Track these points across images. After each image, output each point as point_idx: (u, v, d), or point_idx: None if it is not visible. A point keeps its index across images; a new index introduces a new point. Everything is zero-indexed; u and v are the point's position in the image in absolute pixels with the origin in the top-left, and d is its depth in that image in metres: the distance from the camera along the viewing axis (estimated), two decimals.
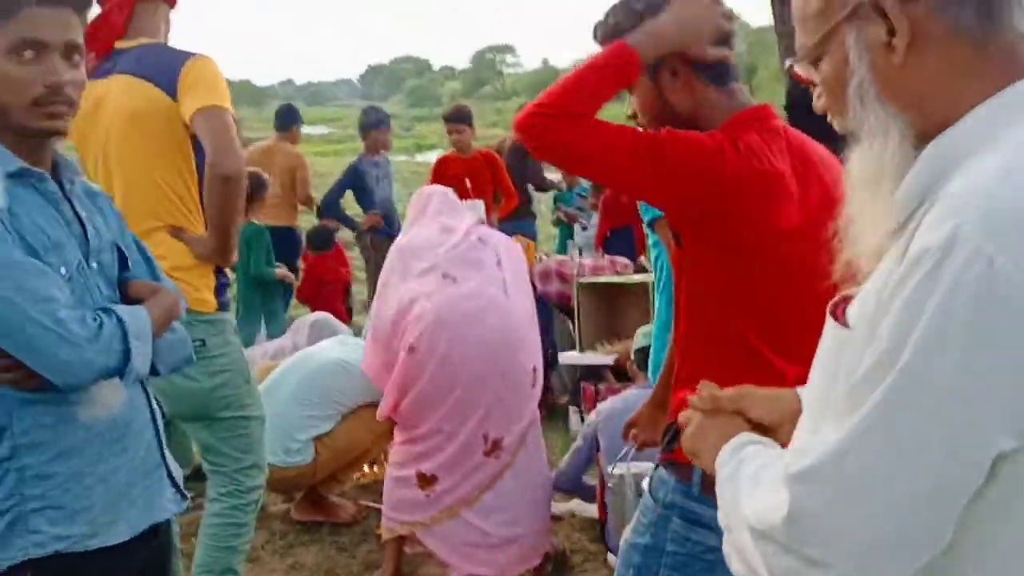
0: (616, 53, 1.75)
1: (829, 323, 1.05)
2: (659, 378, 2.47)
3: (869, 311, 0.92)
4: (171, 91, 2.41)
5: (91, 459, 1.62)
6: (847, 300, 1.01)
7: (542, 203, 12.41)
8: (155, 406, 1.79)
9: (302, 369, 3.81)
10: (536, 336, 3.43)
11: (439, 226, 3.40)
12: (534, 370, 3.32)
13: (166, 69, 2.43)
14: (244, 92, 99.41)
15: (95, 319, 1.56)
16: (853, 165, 1.03)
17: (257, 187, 5.19)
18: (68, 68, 1.59)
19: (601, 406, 3.84)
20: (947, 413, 0.83)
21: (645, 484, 2.60)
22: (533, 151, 1.88)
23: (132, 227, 2.44)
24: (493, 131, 20.41)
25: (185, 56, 2.47)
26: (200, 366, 2.52)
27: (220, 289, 2.63)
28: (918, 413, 0.84)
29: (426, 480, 3.16)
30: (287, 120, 6.79)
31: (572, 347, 5.62)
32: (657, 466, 2.01)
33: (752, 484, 1.01)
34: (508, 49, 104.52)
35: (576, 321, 5.17)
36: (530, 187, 7.67)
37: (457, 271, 3.24)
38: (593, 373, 5.41)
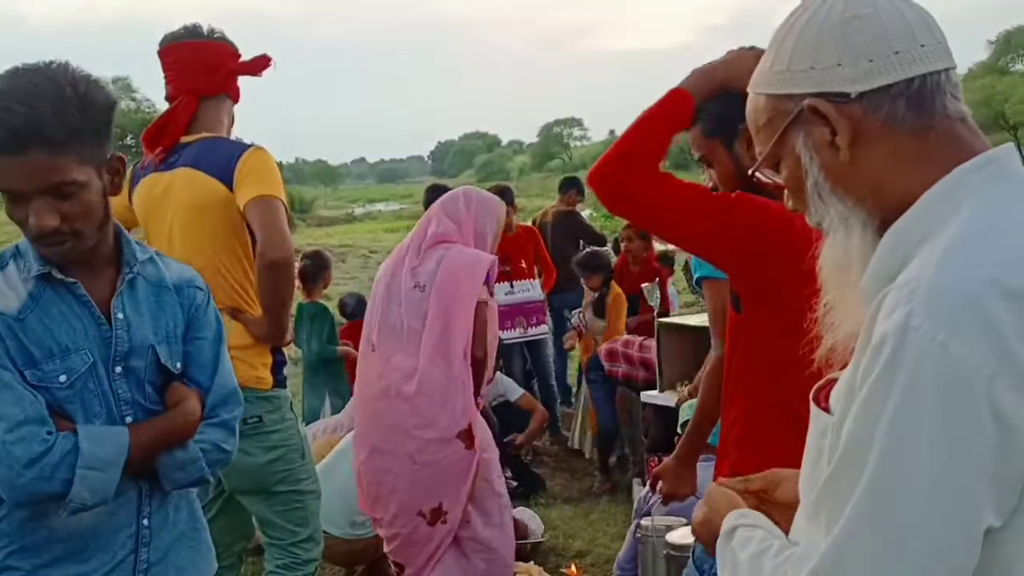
0: (670, 98, 1.85)
1: (813, 409, 1.06)
2: (686, 433, 2.49)
3: (843, 397, 0.94)
4: (228, 182, 2.56)
5: (48, 560, 1.62)
6: (830, 385, 1.03)
7: None
8: (147, 521, 1.72)
9: None
10: (464, 394, 3.19)
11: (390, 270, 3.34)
12: (464, 433, 3.16)
13: (223, 162, 2.58)
14: (319, 172, 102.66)
15: (44, 442, 1.54)
16: (825, 256, 1.07)
17: (320, 267, 5.32)
18: (51, 208, 1.55)
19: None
20: (932, 499, 0.84)
21: (670, 536, 2.60)
22: (605, 201, 1.95)
23: None
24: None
25: (241, 148, 2.63)
26: (256, 441, 2.62)
27: (276, 367, 2.72)
28: (903, 504, 0.84)
29: None
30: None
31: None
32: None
33: None
34: (575, 122, 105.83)
35: (658, 360, 5.17)
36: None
37: (379, 339, 3.25)
38: (660, 445, 5.36)
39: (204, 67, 2.64)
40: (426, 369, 3.10)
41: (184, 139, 2.64)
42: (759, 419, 1.88)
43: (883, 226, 1.00)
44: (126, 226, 2.82)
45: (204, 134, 2.66)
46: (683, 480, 2.47)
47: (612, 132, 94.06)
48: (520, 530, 4.28)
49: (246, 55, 2.75)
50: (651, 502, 3.21)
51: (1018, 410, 0.83)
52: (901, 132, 0.99)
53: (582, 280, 6.42)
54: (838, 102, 1.00)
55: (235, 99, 2.75)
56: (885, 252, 0.98)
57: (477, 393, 3.27)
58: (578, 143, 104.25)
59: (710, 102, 1.87)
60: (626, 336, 5.93)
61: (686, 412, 3.98)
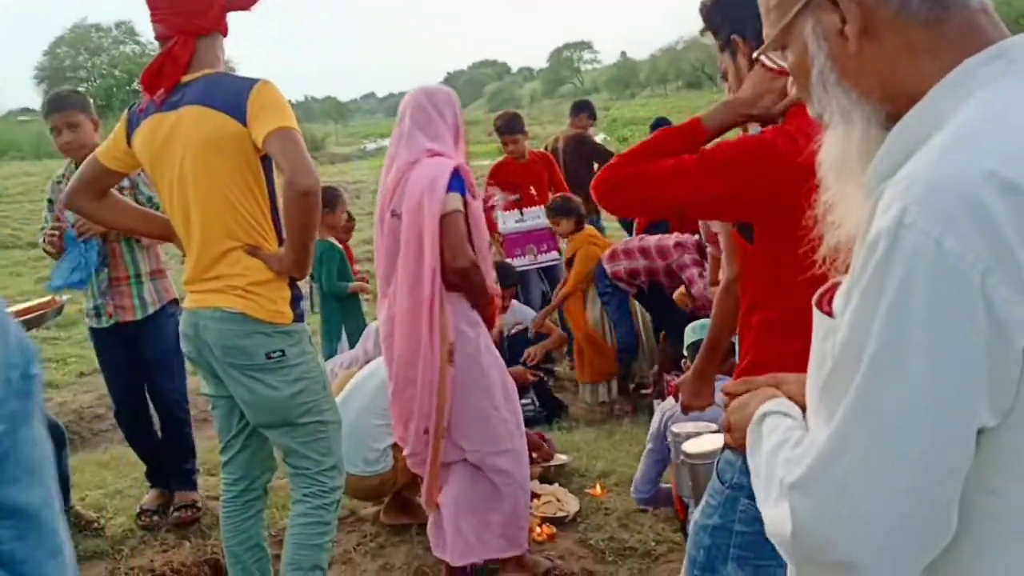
0: (687, 123, 1.93)
1: (816, 313, 1.06)
2: (702, 349, 2.53)
3: (843, 299, 0.93)
4: (240, 117, 2.55)
5: None
6: (833, 289, 1.02)
7: None
8: None
9: (374, 380, 3.87)
10: (431, 313, 3.12)
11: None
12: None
13: (233, 97, 2.56)
14: (329, 109, 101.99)
15: None
16: (825, 151, 1.05)
17: (330, 201, 5.29)
18: None
19: (664, 405, 3.83)
20: (924, 399, 0.83)
21: (686, 446, 2.65)
22: (608, 207, 2.04)
23: (212, 248, 2.63)
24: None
25: (249, 83, 2.60)
26: (280, 375, 2.68)
27: (295, 302, 2.75)
28: (895, 403, 0.84)
29: None
30: None
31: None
32: (723, 448, 2.00)
33: (766, 482, 1.03)
34: (585, 46, 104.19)
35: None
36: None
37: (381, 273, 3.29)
38: (676, 364, 5.39)
39: (197, 5, 2.61)
40: (402, 296, 3.14)
41: (185, 78, 2.62)
42: (771, 343, 1.88)
43: (889, 120, 0.98)
44: (125, 171, 2.83)
45: (206, 71, 2.64)
46: (701, 394, 2.57)
47: (623, 54, 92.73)
48: (544, 453, 4.34)
49: None
50: (670, 411, 3.24)
51: (1011, 306, 0.81)
52: (914, 23, 0.96)
53: (552, 226, 6.20)
54: None
55: (225, 34, 2.72)
56: (890, 147, 0.96)
57: (476, 306, 3.22)
58: (588, 67, 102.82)
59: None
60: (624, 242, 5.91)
61: (691, 335, 4.00)
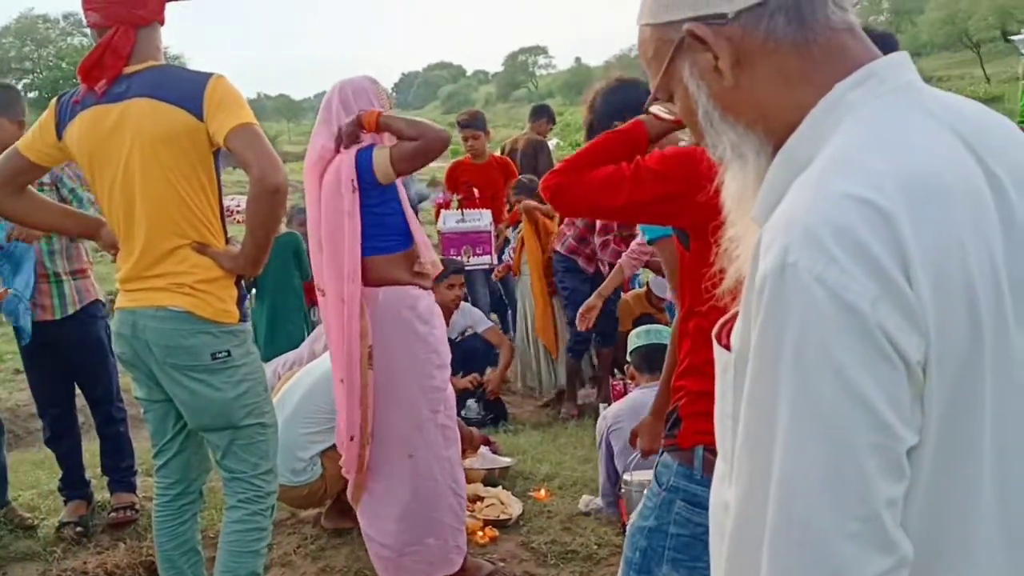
0: (629, 125, 1.97)
1: (716, 347, 1.06)
2: (659, 391, 2.51)
3: (741, 334, 0.93)
4: (196, 111, 2.49)
5: None
6: (732, 321, 1.02)
7: None
8: None
9: (300, 388, 3.83)
10: (338, 317, 3.11)
11: None
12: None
13: (188, 91, 2.50)
14: (282, 107, 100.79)
15: None
16: (725, 187, 1.06)
17: None
18: None
19: (606, 411, 3.87)
20: (847, 432, 0.82)
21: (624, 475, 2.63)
22: (557, 210, 2.13)
23: (158, 245, 2.54)
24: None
25: (203, 77, 2.54)
26: (225, 376, 2.62)
27: (240, 300, 2.70)
28: (824, 443, 0.83)
29: None
30: None
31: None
32: (661, 451, 2.02)
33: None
34: (540, 50, 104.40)
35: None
36: None
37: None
38: (619, 366, 5.43)
39: None
40: (329, 292, 3.13)
41: (127, 69, 2.54)
42: (707, 347, 1.90)
43: (776, 151, 0.98)
44: (49, 165, 2.71)
45: (150, 63, 2.57)
46: (659, 435, 2.49)
47: (578, 60, 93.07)
48: (474, 443, 4.33)
49: None
50: (631, 459, 3.24)
51: (903, 332, 0.82)
52: (783, 49, 0.96)
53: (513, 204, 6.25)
54: (717, 24, 0.97)
55: (163, 23, 2.64)
56: (773, 178, 0.96)
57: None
58: (543, 71, 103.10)
59: None
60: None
61: (635, 340, 4.04)
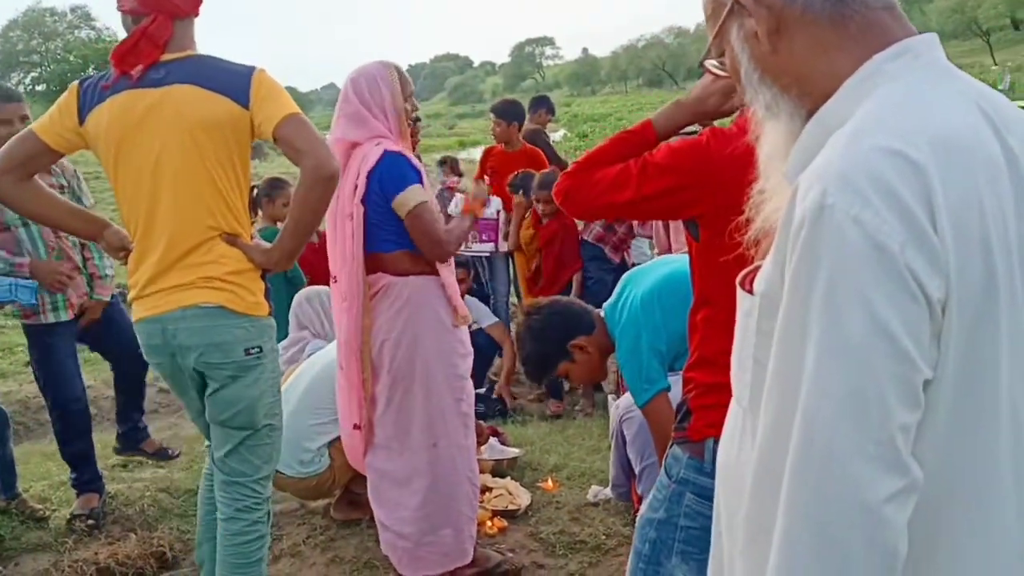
0: (639, 126, 1.98)
1: (739, 292, 1.14)
2: (656, 445, 2.54)
3: (766, 278, 1.02)
4: (243, 101, 2.46)
5: None
6: (755, 271, 1.10)
7: None
8: None
9: (305, 379, 3.82)
10: (348, 311, 3.10)
11: None
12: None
13: (234, 81, 2.47)
14: None
15: None
16: (761, 144, 1.14)
17: (271, 191, 5.22)
18: None
19: (619, 400, 3.86)
20: (871, 361, 0.89)
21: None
22: (569, 212, 2.12)
23: (190, 236, 2.48)
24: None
25: (247, 68, 2.52)
26: (256, 372, 2.57)
27: (267, 293, 2.65)
28: (849, 370, 0.90)
29: None
30: None
31: None
32: (672, 444, 2.02)
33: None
34: (547, 41, 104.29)
35: None
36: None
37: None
38: None
39: None
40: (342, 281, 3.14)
41: (165, 57, 2.50)
42: (722, 338, 1.90)
43: (812, 115, 1.05)
44: (65, 151, 2.61)
45: (189, 52, 2.54)
46: None
47: (585, 51, 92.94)
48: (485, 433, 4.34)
49: None
50: (627, 412, 3.26)
51: (927, 274, 0.90)
52: (820, 22, 1.04)
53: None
54: None
55: (198, 16, 2.60)
56: (806, 139, 1.04)
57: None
58: (550, 62, 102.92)
59: None
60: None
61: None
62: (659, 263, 3.04)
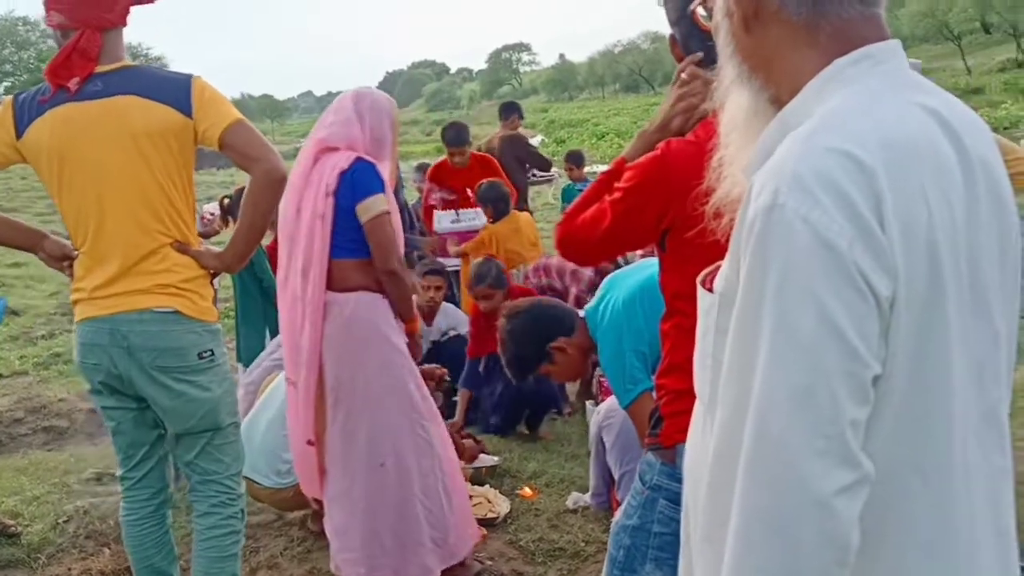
0: (614, 167, 2.03)
1: (700, 291, 1.17)
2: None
3: (724, 276, 1.05)
4: (186, 110, 2.49)
5: None
6: (716, 270, 1.12)
7: (540, 197, 12.36)
8: None
9: (281, 390, 3.77)
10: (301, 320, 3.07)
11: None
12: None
13: (175, 90, 2.50)
14: (265, 106, 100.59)
15: None
16: (725, 112, 1.17)
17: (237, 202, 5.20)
18: None
19: (599, 407, 3.87)
20: (821, 353, 0.91)
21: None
22: (572, 261, 2.22)
23: (142, 245, 2.50)
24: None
25: (184, 76, 2.55)
26: (212, 375, 2.62)
27: (215, 299, 2.71)
28: (799, 363, 0.91)
29: None
30: None
31: None
32: (645, 450, 2.02)
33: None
34: (524, 47, 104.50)
35: None
36: (530, 178, 7.84)
37: None
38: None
39: (105, 1, 2.50)
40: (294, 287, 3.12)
41: (99, 69, 2.51)
42: (687, 345, 1.91)
43: (775, 100, 1.09)
44: (2, 165, 2.57)
45: (124, 63, 2.55)
46: None
47: (561, 56, 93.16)
48: (468, 455, 4.32)
49: None
50: (607, 420, 3.25)
51: (875, 271, 0.92)
52: (794, 21, 1.07)
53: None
54: None
55: (126, 25, 2.61)
56: (767, 138, 1.06)
57: (399, 310, 3.14)
58: (527, 68, 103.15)
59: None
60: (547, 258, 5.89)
61: None
62: (641, 266, 3.05)
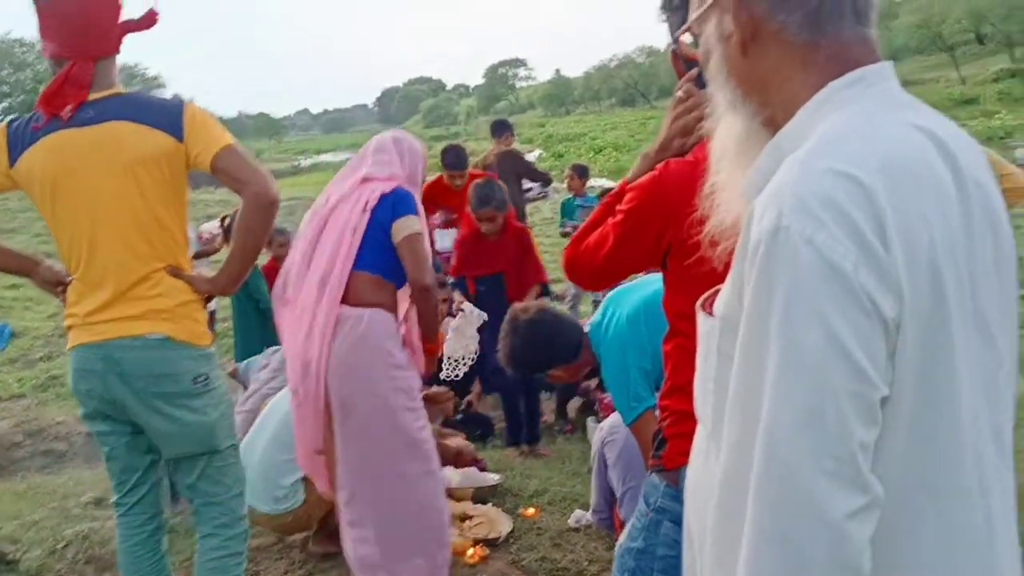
0: (618, 189, 2.04)
1: (700, 315, 1.16)
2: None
3: (725, 301, 1.04)
4: (179, 135, 2.51)
5: None
6: (716, 294, 1.12)
7: (537, 213, 12.36)
8: None
9: (277, 415, 3.79)
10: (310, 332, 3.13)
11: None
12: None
13: (167, 115, 2.52)
14: (262, 125, 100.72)
15: None
16: (716, 137, 1.16)
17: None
18: None
19: (602, 423, 3.85)
20: (829, 375, 0.90)
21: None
22: (581, 285, 2.28)
23: (135, 270, 2.51)
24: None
25: (176, 101, 2.57)
26: (208, 398, 2.61)
27: (211, 321, 2.71)
28: (808, 385, 0.91)
29: None
30: None
31: None
32: (649, 472, 2.01)
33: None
34: (520, 63, 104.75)
35: None
36: (528, 192, 7.81)
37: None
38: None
39: (97, 30, 2.52)
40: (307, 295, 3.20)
41: (92, 96, 2.52)
42: (688, 367, 1.90)
43: (769, 123, 1.09)
44: None
45: (116, 90, 2.57)
46: None
47: (557, 71, 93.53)
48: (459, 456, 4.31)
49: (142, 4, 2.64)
50: (610, 436, 3.25)
51: (880, 292, 0.92)
52: (794, 42, 1.07)
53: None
54: None
55: (118, 52, 2.62)
56: (764, 162, 1.06)
57: (426, 327, 3.26)
58: (524, 83, 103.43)
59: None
60: None
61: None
62: (644, 282, 3.04)
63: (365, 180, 3.24)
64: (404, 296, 3.27)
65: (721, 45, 1.12)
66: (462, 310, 5.24)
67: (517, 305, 3.33)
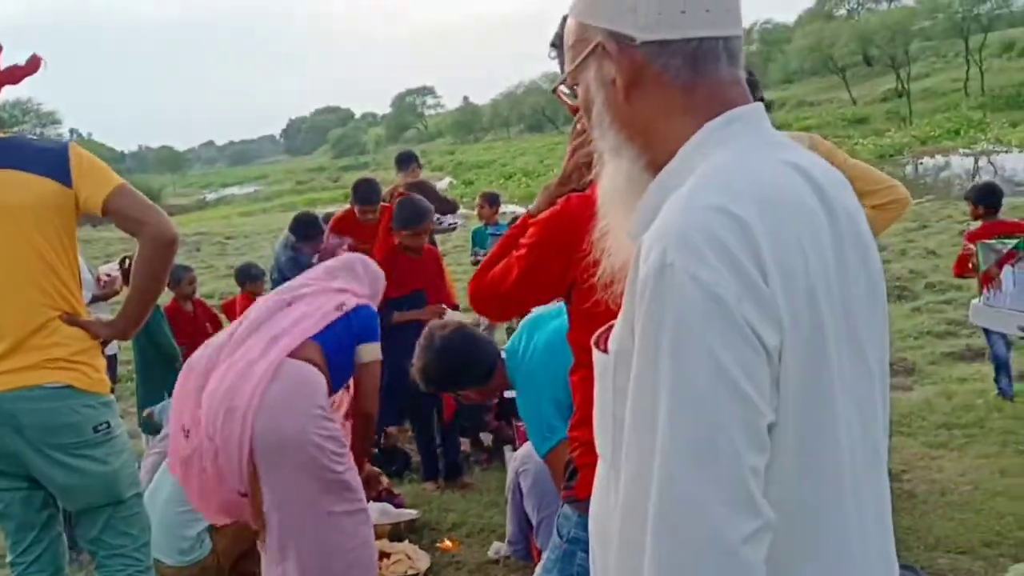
0: (520, 223, 2.07)
1: (595, 352, 1.17)
2: None
3: (618, 337, 1.06)
4: (66, 180, 2.44)
5: None
6: (609, 331, 1.13)
7: (448, 241, 12.36)
8: None
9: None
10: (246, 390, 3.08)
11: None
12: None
13: (53, 160, 2.46)
14: (165, 158, 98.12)
15: None
16: (602, 182, 1.18)
17: None
18: None
19: (516, 453, 3.85)
20: (719, 409, 0.93)
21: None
22: (486, 316, 2.30)
23: (29, 320, 2.44)
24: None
25: (60, 145, 2.51)
26: (108, 448, 2.54)
27: (110, 367, 2.60)
28: (699, 418, 0.93)
29: None
30: None
31: None
32: (562, 504, 2.01)
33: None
34: (428, 91, 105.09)
35: None
36: (440, 225, 7.75)
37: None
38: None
39: None
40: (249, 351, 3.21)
41: None
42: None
43: (651, 165, 1.11)
44: None
45: None
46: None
47: (465, 99, 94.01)
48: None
49: (56, 43, 2.58)
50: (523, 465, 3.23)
51: (762, 323, 0.95)
52: (673, 84, 1.09)
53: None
54: (625, 44, 1.09)
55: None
56: (648, 200, 1.09)
57: (358, 452, 3.39)
58: (432, 111, 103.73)
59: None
60: None
61: None
62: (561, 308, 3.06)
63: (341, 290, 3.36)
64: (342, 401, 3.42)
65: (603, 91, 1.13)
66: None
67: (435, 322, 3.34)
